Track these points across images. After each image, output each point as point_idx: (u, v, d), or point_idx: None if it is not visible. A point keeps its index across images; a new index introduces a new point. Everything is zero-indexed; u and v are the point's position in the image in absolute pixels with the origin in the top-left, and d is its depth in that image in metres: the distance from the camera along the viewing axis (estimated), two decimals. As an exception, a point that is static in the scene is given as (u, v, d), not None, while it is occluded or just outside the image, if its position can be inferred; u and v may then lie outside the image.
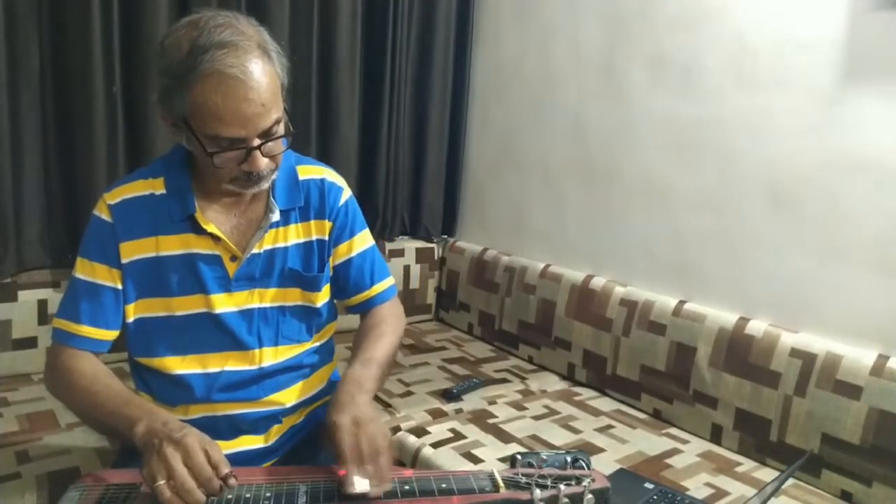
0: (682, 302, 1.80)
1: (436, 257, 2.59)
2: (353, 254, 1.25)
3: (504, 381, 2.02)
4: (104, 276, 1.09)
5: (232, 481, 0.89)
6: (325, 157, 2.17)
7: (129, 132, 1.91)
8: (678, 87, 1.84)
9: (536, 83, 2.27)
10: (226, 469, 0.89)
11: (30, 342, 1.81)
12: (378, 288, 1.28)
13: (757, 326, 1.62)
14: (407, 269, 2.52)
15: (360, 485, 0.91)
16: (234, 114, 0.97)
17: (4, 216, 1.76)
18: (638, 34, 1.94)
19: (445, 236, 2.65)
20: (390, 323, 1.25)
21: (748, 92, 1.68)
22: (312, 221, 1.19)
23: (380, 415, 1.00)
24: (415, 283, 2.54)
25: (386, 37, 2.33)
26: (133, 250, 1.09)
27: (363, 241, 1.26)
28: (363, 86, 2.36)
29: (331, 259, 1.23)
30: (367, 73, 2.36)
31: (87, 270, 1.09)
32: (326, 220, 1.21)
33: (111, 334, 1.11)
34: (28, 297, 1.80)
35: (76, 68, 1.79)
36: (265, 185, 1.08)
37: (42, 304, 1.81)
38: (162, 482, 0.85)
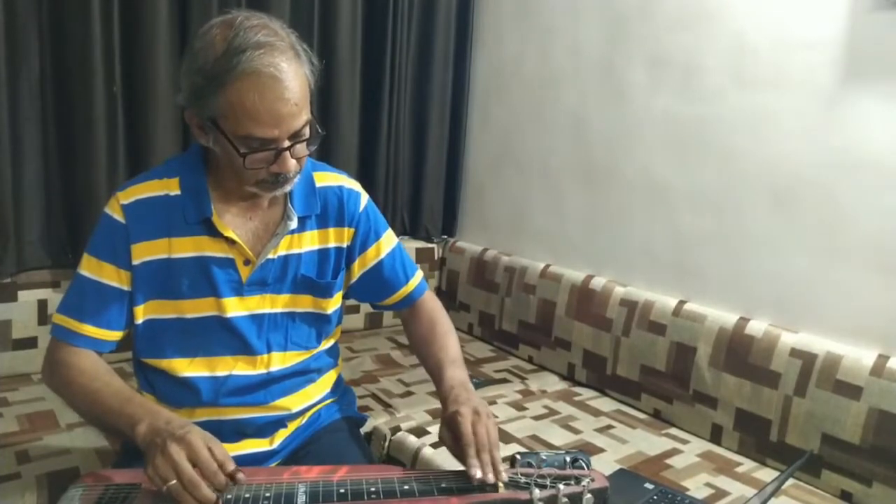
0: (682, 302, 1.80)
1: (436, 257, 2.59)
2: (383, 255, 1.26)
3: (504, 381, 2.02)
4: (111, 277, 1.08)
5: (240, 476, 0.90)
6: (325, 157, 2.16)
7: (129, 132, 1.90)
8: (678, 87, 1.84)
9: (536, 83, 2.27)
10: (231, 465, 0.90)
11: (30, 342, 1.80)
12: (414, 282, 1.30)
13: (757, 326, 1.62)
14: (407, 269, 2.52)
15: (482, 473, 0.95)
16: (269, 113, 0.97)
17: (4, 216, 1.76)
18: (638, 34, 1.94)
19: (445, 236, 2.65)
20: (445, 317, 1.30)
21: (748, 92, 1.68)
22: (331, 229, 1.19)
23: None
24: (415, 283, 2.54)
25: (386, 37, 2.33)
26: (145, 252, 1.08)
27: (389, 241, 1.27)
28: (363, 86, 2.36)
29: (359, 265, 1.24)
30: (367, 72, 2.36)
31: (94, 269, 1.08)
32: (347, 228, 1.21)
33: (115, 335, 1.11)
34: (28, 297, 1.80)
35: (76, 68, 1.79)
36: (289, 187, 1.08)
37: (42, 304, 1.81)
38: (173, 482, 0.85)
